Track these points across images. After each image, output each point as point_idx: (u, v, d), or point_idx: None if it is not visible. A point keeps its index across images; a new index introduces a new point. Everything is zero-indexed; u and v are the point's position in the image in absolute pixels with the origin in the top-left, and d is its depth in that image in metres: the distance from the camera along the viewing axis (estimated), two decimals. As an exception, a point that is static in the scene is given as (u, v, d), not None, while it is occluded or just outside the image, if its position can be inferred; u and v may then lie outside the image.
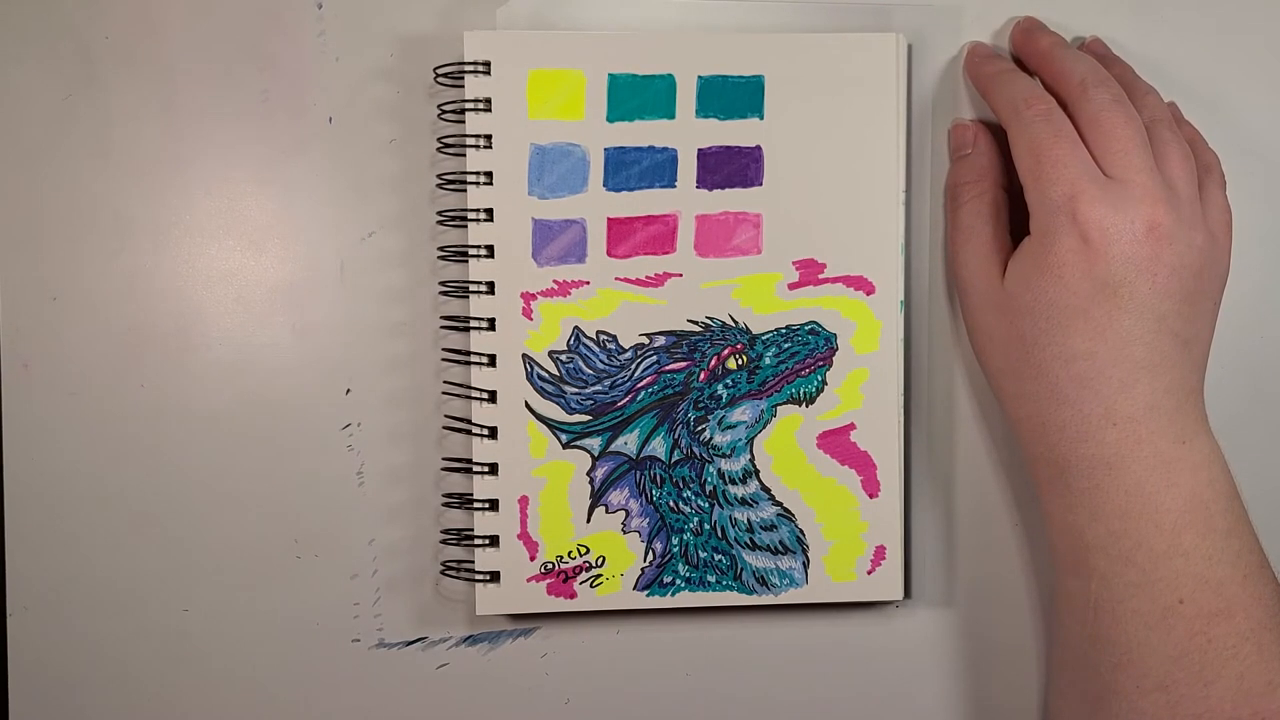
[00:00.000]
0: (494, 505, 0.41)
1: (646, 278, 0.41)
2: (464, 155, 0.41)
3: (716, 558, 0.41)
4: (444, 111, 0.41)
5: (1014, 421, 0.40)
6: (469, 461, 0.41)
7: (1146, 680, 0.36)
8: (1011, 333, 0.39)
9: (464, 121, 0.41)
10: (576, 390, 0.41)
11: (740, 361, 0.41)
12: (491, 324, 0.41)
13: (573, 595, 0.41)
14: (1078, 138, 0.38)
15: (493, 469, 0.41)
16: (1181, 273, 0.37)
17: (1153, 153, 0.38)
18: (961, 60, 0.43)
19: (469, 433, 0.41)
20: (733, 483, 0.41)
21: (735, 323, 0.41)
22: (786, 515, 0.42)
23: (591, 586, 0.41)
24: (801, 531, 0.42)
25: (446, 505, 0.42)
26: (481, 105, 0.41)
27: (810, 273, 0.41)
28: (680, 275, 0.41)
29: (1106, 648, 0.37)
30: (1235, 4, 0.44)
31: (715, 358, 0.41)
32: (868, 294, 0.42)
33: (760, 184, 0.41)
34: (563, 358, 0.41)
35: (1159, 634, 0.36)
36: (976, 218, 0.41)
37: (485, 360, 0.41)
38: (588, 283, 0.41)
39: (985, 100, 0.42)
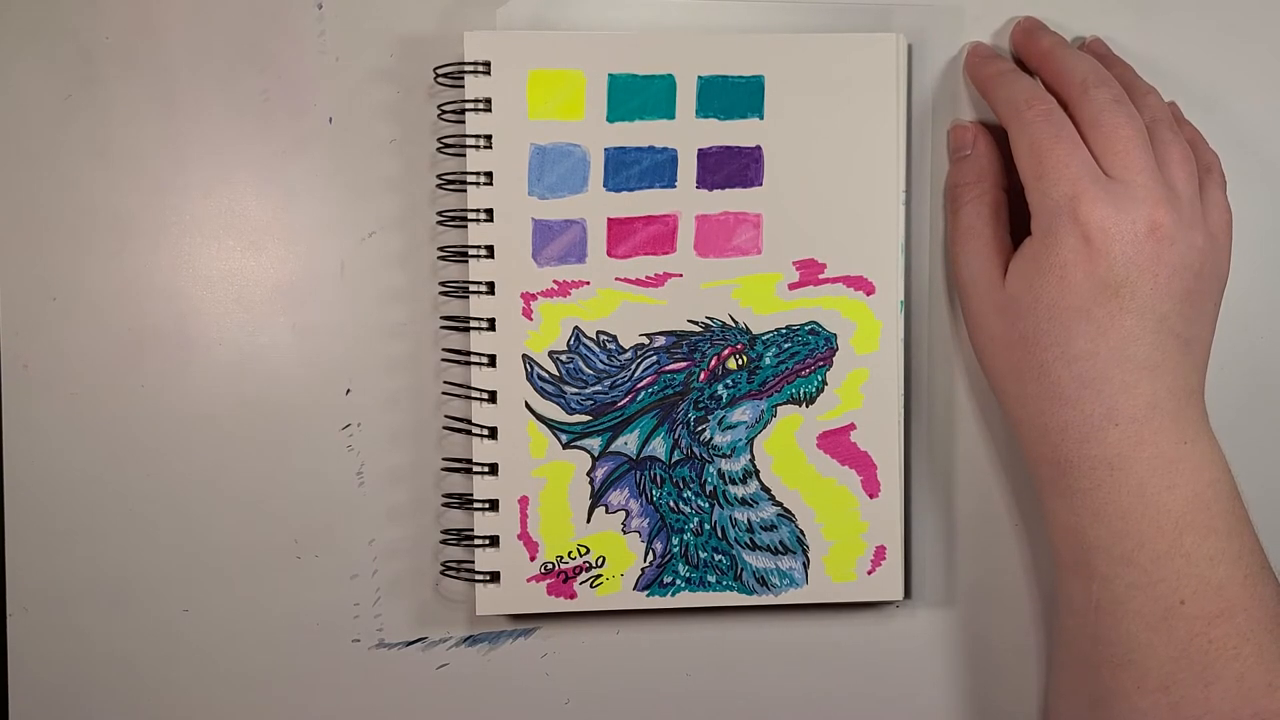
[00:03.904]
0: (494, 505, 0.41)
1: (646, 278, 0.41)
2: (464, 155, 0.41)
3: (716, 558, 0.41)
4: (444, 112, 0.41)
5: (1015, 422, 0.40)
6: (469, 462, 0.41)
7: (1147, 680, 0.36)
8: (1013, 334, 0.39)
9: (464, 122, 0.41)
10: (576, 390, 0.41)
11: (740, 361, 0.41)
12: (491, 324, 0.41)
13: (573, 595, 0.41)
14: (1079, 138, 0.38)
15: (493, 469, 0.41)
16: (1183, 273, 0.37)
17: (1154, 153, 0.38)
18: (961, 60, 0.43)
19: (469, 433, 0.41)
20: (733, 483, 0.41)
21: (735, 323, 0.41)
22: (786, 515, 0.42)
23: (591, 587, 0.41)
24: (801, 532, 0.42)
25: (446, 505, 0.42)
26: (481, 105, 0.41)
27: (810, 273, 0.41)
28: (680, 275, 0.41)
29: (1107, 648, 0.37)
30: (1235, 5, 0.44)
31: (715, 358, 0.41)
32: (868, 294, 0.42)
33: (760, 184, 0.41)
34: (563, 358, 0.41)
35: (1160, 635, 0.36)
36: (977, 219, 0.41)
37: (485, 360, 0.41)
38: (588, 283, 0.41)
39: (986, 100, 0.42)
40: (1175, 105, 0.43)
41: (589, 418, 0.41)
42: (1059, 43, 0.41)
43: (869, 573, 0.42)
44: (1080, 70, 0.39)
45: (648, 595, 0.41)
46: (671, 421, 0.41)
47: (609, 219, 0.41)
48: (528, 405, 0.41)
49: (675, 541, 0.41)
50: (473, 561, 0.41)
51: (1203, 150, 0.42)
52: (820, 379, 0.42)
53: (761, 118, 0.41)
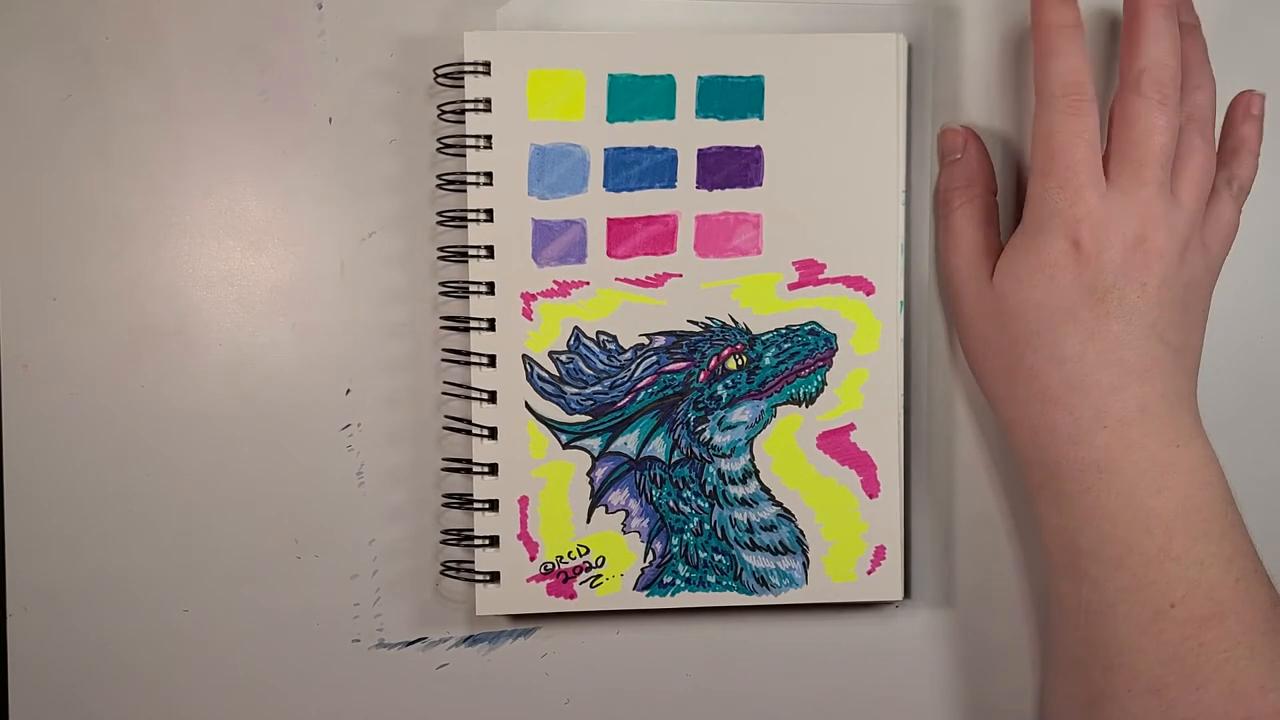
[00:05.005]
0: (494, 505, 0.41)
1: (646, 278, 0.41)
2: (464, 156, 0.41)
3: (716, 558, 0.41)
4: (444, 112, 0.41)
5: (1007, 424, 0.40)
6: (469, 462, 0.41)
7: (1138, 683, 0.37)
8: (1004, 336, 0.39)
9: (464, 122, 0.41)
10: (576, 390, 0.41)
11: (740, 362, 0.41)
12: (491, 324, 0.41)
13: (573, 595, 0.41)
14: (1096, 143, 0.38)
15: (493, 469, 0.41)
16: (1172, 283, 0.37)
17: (1172, 160, 0.38)
18: (963, 58, 0.43)
19: (469, 433, 0.41)
20: (733, 483, 0.41)
21: (735, 323, 0.41)
22: (786, 515, 0.42)
23: (591, 587, 0.41)
24: (801, 532, 0.42)
25: (446, 505, 0.42)
26: (481, 105, 0.41)
27: (810, 273, 0.41)
28: (680, 275, 0.41)
29: (1099, 651, 0.37)
30: (1245, 5, 0.44)
31: (715, 358, 0.41)
32: (868, 294, 0.42)
33: (760, 184, 0.41)
34: (563, 358, 0.41)
35: (1150, 638, 0.36)
36: (968, 222, 0.41)
37: (485, 361, 0.41)
38: (588, 283, 0.41)
39: (1032, 52, 0.39)
40: (1254, 96, 0.41)
41: (589, 418, 0.41)
42: (1160, 5, 0.38)
43: (869, 573, 0.42)
44: (1148, 55, 0.38)
45: (648, 595, 0.41)
46: (671, 421, 0.41)
47: (609, 219, 0.41)
48: (528, 405, 0.41)
49: (675, 541, 0.41)
50: (473, 561, 0.41)
51: (1240, 160, 0.41)
52: (820, 379, 0.42)
53: (761, 118, 0.41)
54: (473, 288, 0.41)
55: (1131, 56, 0.38)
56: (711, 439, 0.41)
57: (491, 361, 0.41)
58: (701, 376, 0.41)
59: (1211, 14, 0.42)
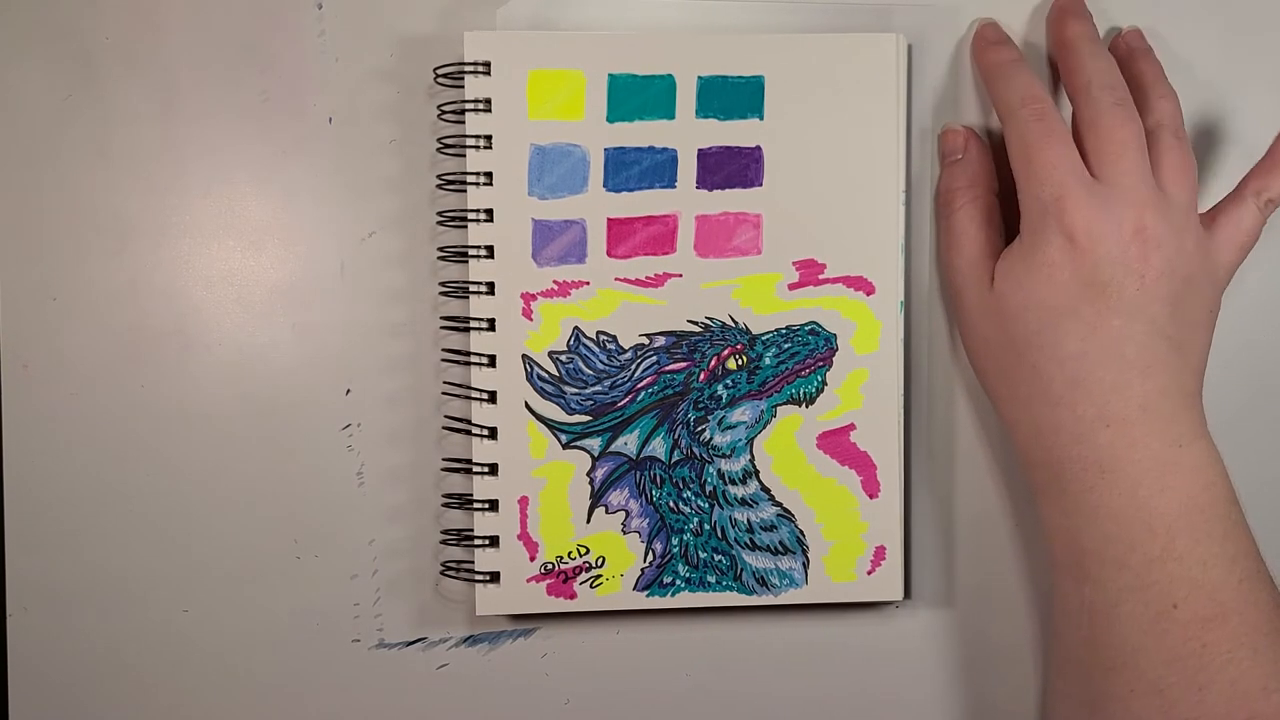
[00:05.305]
0: (494, 506, 0.41)
1: (646, 278, 0.41)
2: (464, 156, 0.41)
3: (716, 558, 0.41)
4: (444, 112, 0.41)
5: (1010, 425, 0.40)
6: (469, 462, 0.41)
7: (1141, 684, 0.36)
8: (1005, 336, 0.39)
9: (464, 122, 0.41)
10: (576, 391, 0.41)
11: (740, 362, 0.41)
12: (491, 324, 0.41)
13: (573, 595, 0.41)
14: (1070, 139, 0.38)
15: (493, 469, 0.41)
16: (1170, 277, 0.37)
17: (1151, 157, 0.38)
18: (963, 58, 0.43)
19: (469, 433, 0.41)
20: (733, 483, 0.41)
21: (735, 323, 0.41)
22: (786, 515, 0.42)
23: (591, 587, 0.41)
24: (801, 532, 0.42)
25: (446, 505, 0.42)
26: (481, 106, 0.41)
27: (810, 273, 0.41)
28: (680, 275, 0.41)
29: (1101, 651, 0.37)
30: (1245, 5, 0.44)
31: (715, 358, 0.41)
32: (868, 294, 0.42)
33: (760, 184, 0.41)
34: (563, 358, 0.41)
35: (1153, 638, 0.36)
36: (970, 222, 0.41)
37: (485, 361, 0.41)
38: (588, 283, 0.41)
39: (986, 89, 0.42)
40: None
41: (589, 418, 0.41)
42: (1083, 35, 0.40)
43: (869, 573, 0.42)
44: (1088, 69, 0.39)
45: (648, 595, 0.41)
46: (671, 422, 0.41)
47: (609, 219, 0.41)
48: (528, 405, 0.41)
49: (675, 542, 0.41)
50: (473, 561, 0.41)
51: (1263, 172, 0.40)
52: (820, 379, 0.42)
53: (761, 118, 0.41)
54: (473, 288, 0.41)
55: (1074, 75, 0.40)
56: (711, 439, 0.41)
57: (491, 361, 0.41)
58: (701, 376, 0.41)
59: (1222, 19, 0.42)
